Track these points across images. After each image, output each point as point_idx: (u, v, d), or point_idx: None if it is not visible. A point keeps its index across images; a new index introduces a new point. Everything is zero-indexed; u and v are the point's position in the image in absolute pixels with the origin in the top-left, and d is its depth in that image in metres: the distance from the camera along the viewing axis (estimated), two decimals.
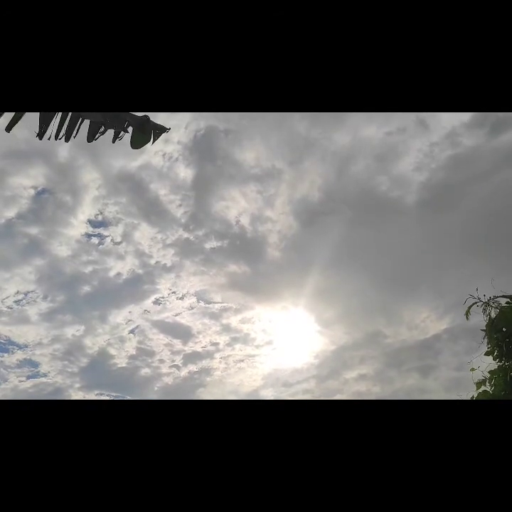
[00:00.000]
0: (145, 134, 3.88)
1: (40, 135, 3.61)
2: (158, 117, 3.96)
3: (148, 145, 3.91)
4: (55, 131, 3.64)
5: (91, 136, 3.78)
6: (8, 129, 3.51)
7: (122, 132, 3.83)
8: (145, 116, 3.91)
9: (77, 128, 3.71)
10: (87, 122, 3.73)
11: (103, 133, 3.79)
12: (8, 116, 3.44)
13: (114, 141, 3.84)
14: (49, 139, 3.68)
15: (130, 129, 3.83)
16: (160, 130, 3.92)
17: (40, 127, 3.60)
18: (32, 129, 3.58)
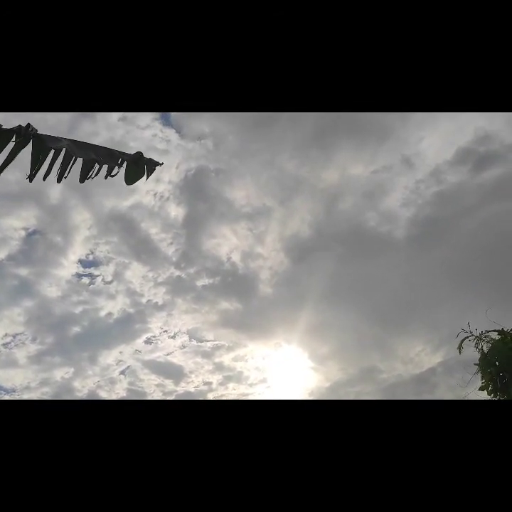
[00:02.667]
0: (139, 169, 3.93)
1: (31, 177, 3.63)
2: (150, 154, 4.06)
3: (143, 180, 3.95)
4: (45, 173, 3.64)
5: (83, 177, 3.77)
6: None
7: (116, 168, 3.83)
8: (138, 152, 3.97)
9: (69, 168, 3.72)
10: (78, 163, 3.73)
11: (97, 172, 3.79)
12: (1, 158, 3.49)
13: (106, 178, 3.84)
14: (44, 179, 3.68)
15: (124, 165, 3.85)
16: (153, 165, 3.99)
17: (31, 170, 3.62)
18: (23, 171, 3.61)
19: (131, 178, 3.94)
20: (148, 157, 3.96)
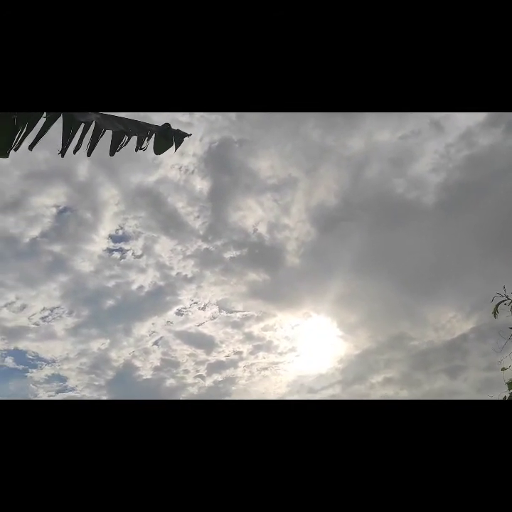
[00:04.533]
0: (167, 140, 3.95)
1: (63, 152, 3.70)
2: (174, 127, 4.06)
3: (171, 151, 3.96)
4: (75, 147, 3.71)
5: (113, 149, 3.83)
6: (31, 147, 3.61)
7: (145, 141, 3.88)
8: (166, 124, 4.00)
9: (98, 141, 3.78)
10: (107, 136, 3.77)
11: (125, 143, 3.84)
12: (32, 135, 3.54)
13: (137, 150, 3.89)
14: (74, 152, 3.74)
15: (152, 137, 3.88)
16: (181, 136, 4.01)
17: (63, 144, 3.68)
18: (52, 148, 3.68)
19: (159, 149, 3.96)
20: (175, 128, 3.99)
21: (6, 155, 3.72)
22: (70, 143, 3.71)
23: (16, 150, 3.68)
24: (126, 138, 3.83)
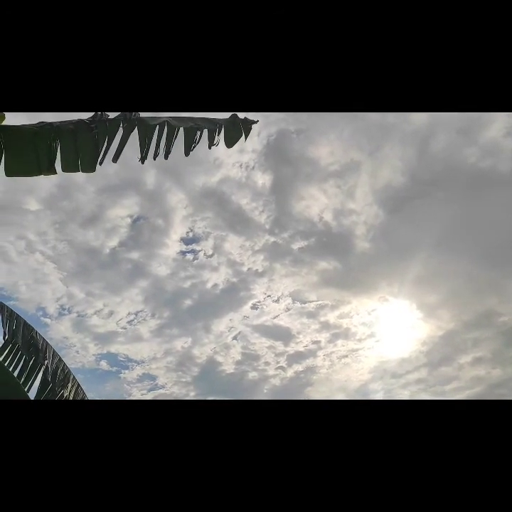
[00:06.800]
0: (236, 130, 3.96)
1: (143, 159, 3.78)
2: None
3: (242, 141, 3.96)
4: (154, 152, 3.78)
5: (187, 148, 3.88)
6: (115, 159, 3.73)
7: (216, 136, 3.90)
8: (233, 114, 4.02)
9: (172, 142, 3.83)
10: (180, 138, 3.80)
11: (198, 141, 3.88)
12: (111, 152, 3.73)
13: (210, 147, 3.93)
14: (154, 158, 3.82)
15: (222, 131, 3.91)
16: (249, 123, 4.02)
17: (141, 151, 3.76)
18: (120, 161, 3.80)
19: (231, 141, 3.97)
20: (242, 117, 4.00)
21: (93, 170, 3.81)
22: (148, 149, 3.77)
23: (100, 164, 3.78)
24: (198, 135, 3.87)
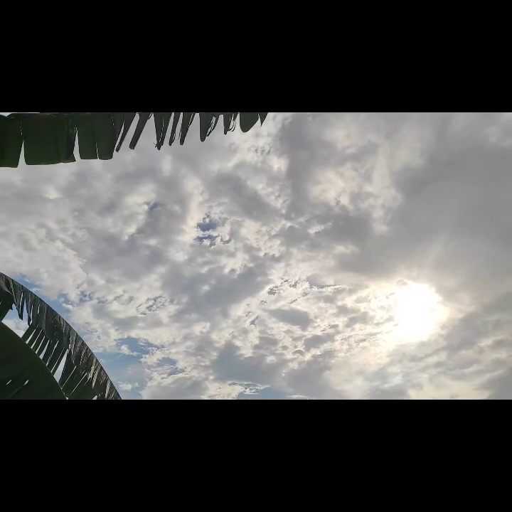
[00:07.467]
0: (252, 115, 3.89)
1: (159, 145, 3.78)
2: None
3: (257, 125, 3.91)
4: (169, 138, 3.78)
5: (203, 133, 3.84)
6: (132, 145, 3.73)
7: (231, 121, 3.85)
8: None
9: (187, 128, 3.83)
10: (195, 123, 3.79)
11: (214, 127, 3.84)
12: (127, 139, 3.73)
13: (226, 132, 3.88)
14: (170, 144, 3.83)
15: (237, 116, 3.85)
16: None
17: (157, 138, 3.76)
18: (136, 148, 3.83)
19: (246, 125, 3.92)
20: None
21: (110, 156, 3.82)
22: (164, 135, 3.76)
23: (117, 150, 3.79)
24: (214, 120, 3.83)
